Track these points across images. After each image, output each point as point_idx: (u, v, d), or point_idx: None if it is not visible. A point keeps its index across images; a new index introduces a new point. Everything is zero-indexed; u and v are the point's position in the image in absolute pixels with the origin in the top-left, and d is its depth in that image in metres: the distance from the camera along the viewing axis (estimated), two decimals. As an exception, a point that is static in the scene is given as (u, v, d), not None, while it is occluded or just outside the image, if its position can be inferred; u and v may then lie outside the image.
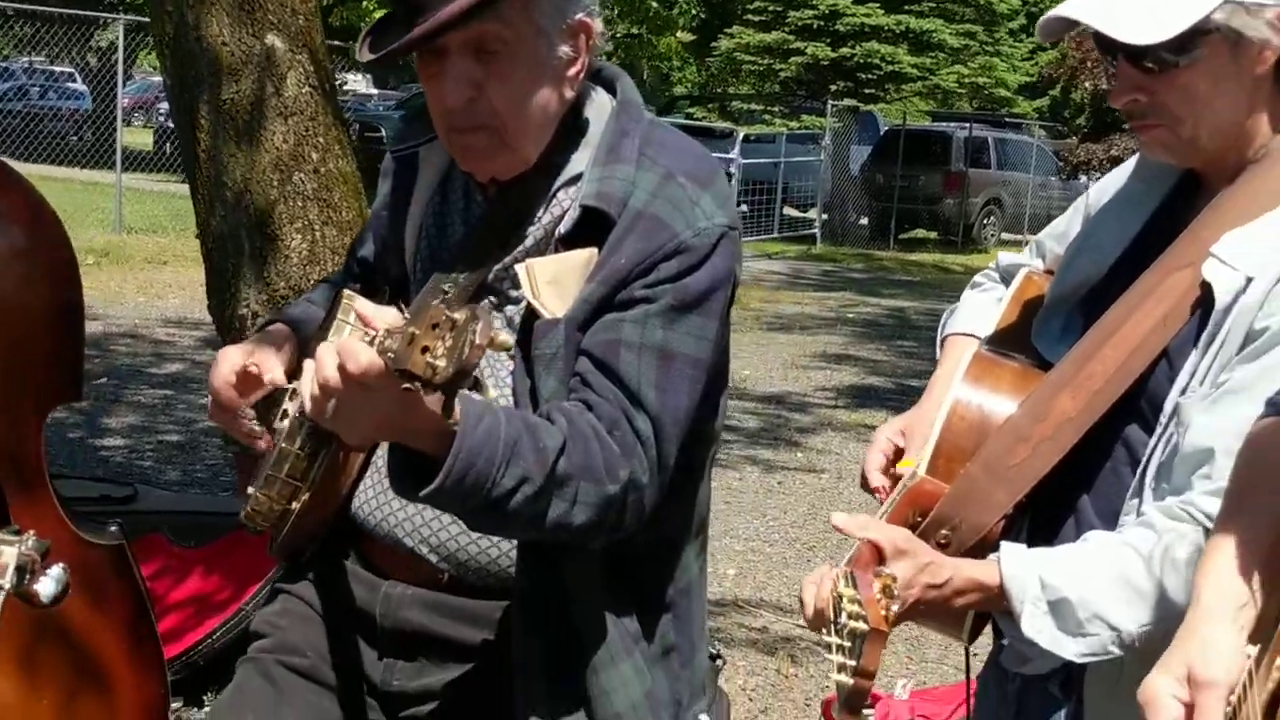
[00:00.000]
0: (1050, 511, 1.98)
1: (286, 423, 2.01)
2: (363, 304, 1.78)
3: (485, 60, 1.88)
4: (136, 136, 26.72)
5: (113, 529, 2.74)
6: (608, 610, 1.98)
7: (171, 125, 24.28)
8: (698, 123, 25.56)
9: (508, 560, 2.01)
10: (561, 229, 1.93)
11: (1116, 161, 20.75)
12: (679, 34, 22.93)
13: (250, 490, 2.04)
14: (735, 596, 5.88)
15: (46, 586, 1.52)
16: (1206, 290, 1.85)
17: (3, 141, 19.56)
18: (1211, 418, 1.77)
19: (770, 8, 25.08)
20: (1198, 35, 1.83)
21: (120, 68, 17.30)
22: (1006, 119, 28.07)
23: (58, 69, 26.15)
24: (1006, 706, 2.11)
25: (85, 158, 20.20)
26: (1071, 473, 1.95)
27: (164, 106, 26.74)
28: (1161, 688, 1.43)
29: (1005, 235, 25.18)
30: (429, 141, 2.10)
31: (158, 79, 31.89)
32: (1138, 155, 2.14)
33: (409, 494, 1.76)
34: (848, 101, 24.28)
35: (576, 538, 1.86)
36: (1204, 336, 1.84)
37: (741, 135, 22.80)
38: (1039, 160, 25.25)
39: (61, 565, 1.52)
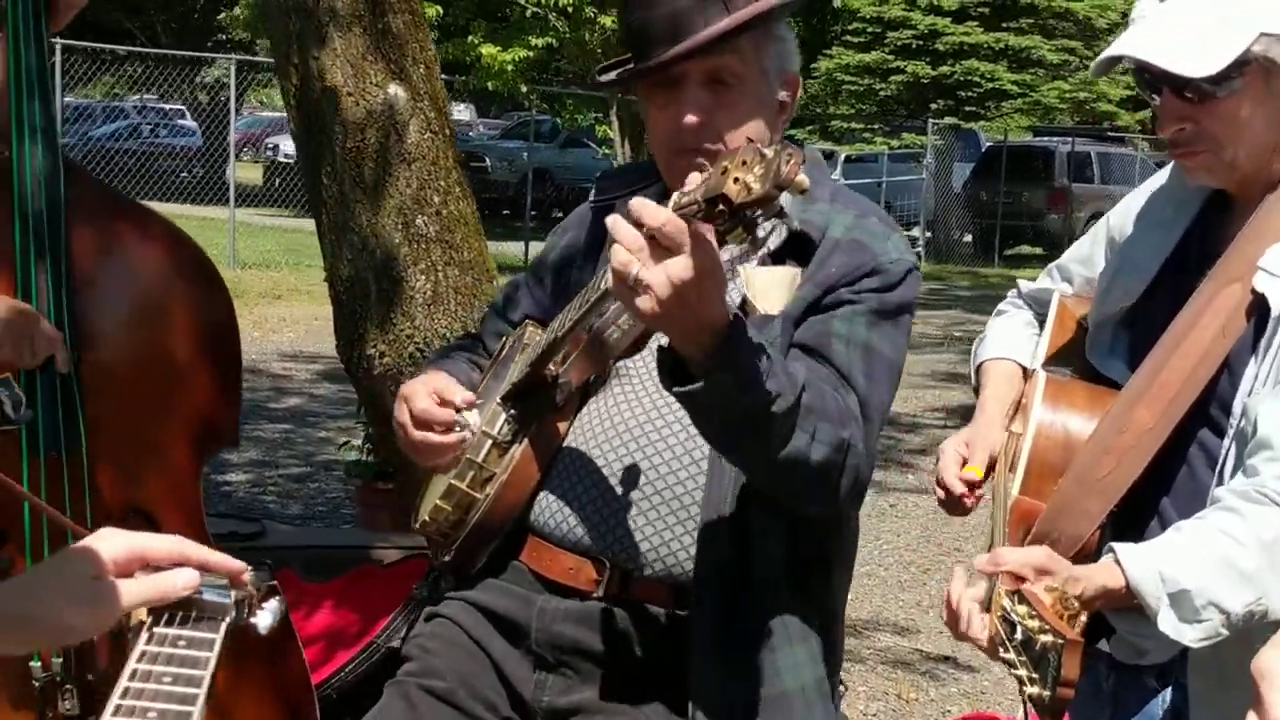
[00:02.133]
0: (1134, 516, 2.11)
1: (469, 436, 2.21)
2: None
3: (718, 92, 2.13)
4: (246, 172, 27.19)
5: (263, 570, 2.84)
6: (790, 599, 2.11)
7: (281, 160, 24.74)
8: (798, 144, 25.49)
9: (685, 554, 2.12)
10: (770, 245, 2.07)
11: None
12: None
13: (428, 502, 2.26)
14: (852, 621, 5.89)
15: (264, 619, 1.56)
16: (1260, 300, 2.01)
17: (117, 179, 19.93)
18: (1276, 406, 1.93)
19: (869, 29, 25.04)
20: (1237, 66, 2.00)
21: (233, 107, 17.68)
22: (1109, 132, 27.73)
23: (168, 106, 26.71)
24: (1101, 706, 2.20)
25: (196, 194, 20.59)
26: (1152, 478, 2.09)
27: (271, 141, 27.31)
28: (1273, 661, 1.48)
29: (1112, 249, 24.85)
30: (626, 195, 2.25)
31: (266, 114, 32.46)
32: (1160, 181, 2.32)
33: (679, 383, 1.83)
34: (949, 120, 24.16)
35: (809, 477, 1.95)
36: (1262, 343, 2.00)
37: (843, 156, 22.76)
38: (1143, 173, 24.89)
39: (279, 598, 1.59)
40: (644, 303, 1.73)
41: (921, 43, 24.80)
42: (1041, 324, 2.46)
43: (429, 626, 2.31)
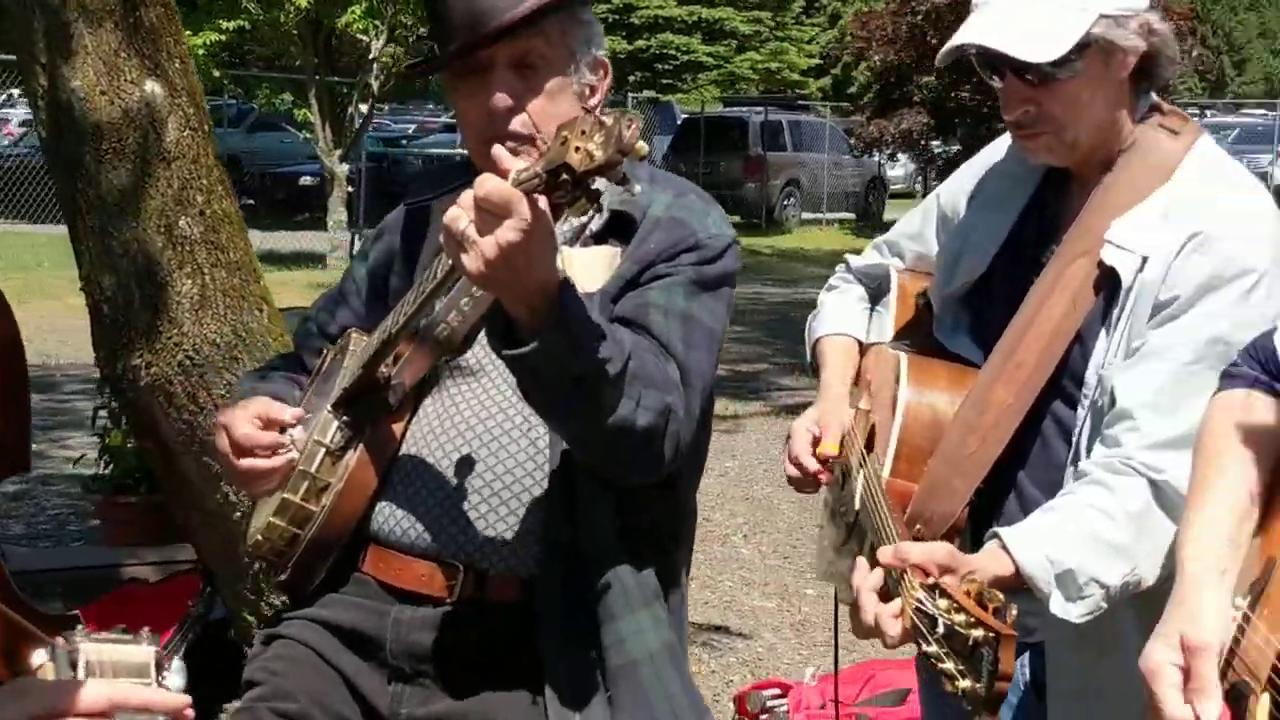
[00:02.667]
0: (993, 491, 2.17)
1: (296, 456, 2.14)
2: None
3: (525, 75, 2.12)
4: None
5: (57, 603, 2.69)
6: (627, 565, 2.09)
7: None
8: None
9: (526, 553, 2.10)
10: (592, 227, 2.14)
11: (906, 136, 20.75)
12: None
13: (260, 519, 2.18)
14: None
15: (176, 680, 1.50)
16: (1108, 273, 2.06)
17: None
18: (1132, 377, 1.99)
19: (565, 4, 25.21)
20: (1078, 49, 2.05)
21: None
22: (797, 101, 28.62)
23: None
24: None
25: None
26: (1008, 453, 2.14)
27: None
28: (1160, 657, 1.57)
29: (806, 215, 25.70)
30: (441, 195, 2.23)
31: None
32: (991, 158, 2.36)
33: (510, 347, 1.83)
34: (647, 93, 24.51)
35: (635, 445, 1.95)
36: (1113, 314, 2.05)
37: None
38: (832, 139, 25.82)
39: (179, 657, 1.51)
40: (470, 261, 1.75)
41: (617, 17, 25.08)
42: (873, 299, 2.50)
43: (272, 649, 2.22)
